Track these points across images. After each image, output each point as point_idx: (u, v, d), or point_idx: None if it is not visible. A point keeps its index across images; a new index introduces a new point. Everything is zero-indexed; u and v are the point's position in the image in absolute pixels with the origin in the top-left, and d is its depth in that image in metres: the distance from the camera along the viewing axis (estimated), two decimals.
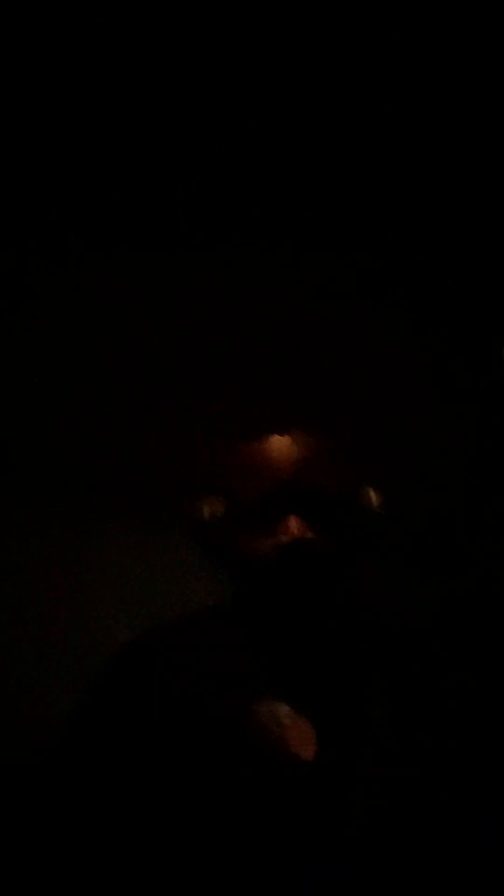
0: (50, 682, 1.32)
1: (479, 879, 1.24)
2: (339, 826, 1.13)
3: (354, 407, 2.34)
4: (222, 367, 2.10)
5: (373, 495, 1.37)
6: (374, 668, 1.24)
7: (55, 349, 2.22)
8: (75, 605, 2.14)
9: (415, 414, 2.35)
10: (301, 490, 1.29)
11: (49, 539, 2.21)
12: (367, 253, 2.14)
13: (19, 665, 1.59)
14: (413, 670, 1.32)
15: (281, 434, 1.30)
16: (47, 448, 2.26)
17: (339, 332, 2.21)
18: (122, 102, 1.89)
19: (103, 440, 2.23)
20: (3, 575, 2.17)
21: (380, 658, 1.25)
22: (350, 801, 1.15)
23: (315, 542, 1.26)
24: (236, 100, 1.89)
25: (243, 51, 1.85)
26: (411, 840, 1.19)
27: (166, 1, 1.79)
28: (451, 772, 1.28)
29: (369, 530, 1.34)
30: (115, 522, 2.26)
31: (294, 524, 1.29)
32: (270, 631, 1.26)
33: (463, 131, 1.93)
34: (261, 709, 1.20)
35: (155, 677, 1.25)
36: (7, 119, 1.91)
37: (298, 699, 1.22)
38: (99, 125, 1.91)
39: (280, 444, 1.30)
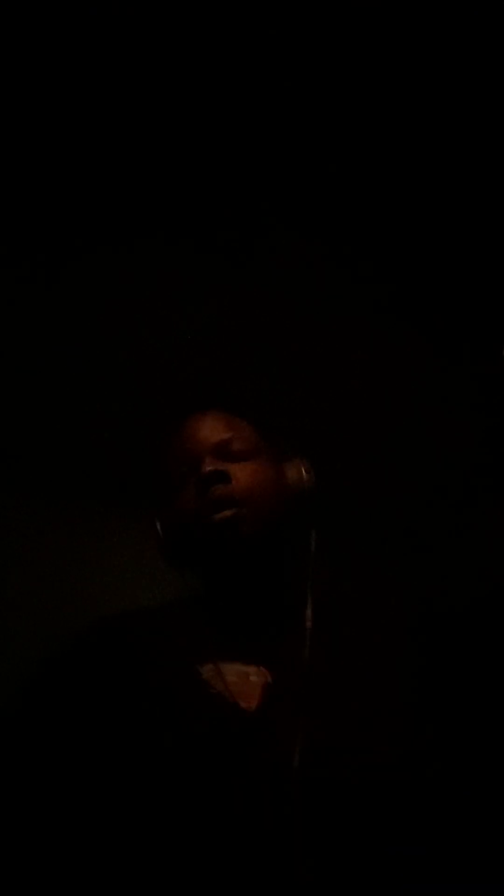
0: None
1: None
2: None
3: (354, 406, 2.35)
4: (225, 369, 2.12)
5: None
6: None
7: (53, 346, 2.23)
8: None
9: (415, 414, 2.36)
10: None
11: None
12: (367, 253, 2.14)
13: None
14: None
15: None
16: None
17: (340, 333, 2.22)
18: (124, 104, 1.89)
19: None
20: None
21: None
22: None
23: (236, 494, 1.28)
24: (238, 105, 1.89)
25: (249, 50, 1.85)
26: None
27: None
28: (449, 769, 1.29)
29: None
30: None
31: (208, 460, 1.31)
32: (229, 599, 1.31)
33: (463, 133, 1.93)
34: (206, 668, 1.24)
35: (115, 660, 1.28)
36: (9, 119, 1.91)
37: (256, 659, 1.26)
38: (100, 128, 1.92)
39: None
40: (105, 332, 2.19)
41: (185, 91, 1.88)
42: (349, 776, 1.16)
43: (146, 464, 1.39)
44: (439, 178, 2.02)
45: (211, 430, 1.34)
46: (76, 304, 2.16)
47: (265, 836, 1.12)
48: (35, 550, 2.28)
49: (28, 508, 2.30)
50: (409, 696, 1.24)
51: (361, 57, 1.83)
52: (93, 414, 2.25)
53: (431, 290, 2.20)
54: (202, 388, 1.43)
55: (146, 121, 1.92)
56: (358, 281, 2.16)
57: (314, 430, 2.20)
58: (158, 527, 1.37)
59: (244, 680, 1.23)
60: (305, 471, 1.36)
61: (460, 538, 2.45)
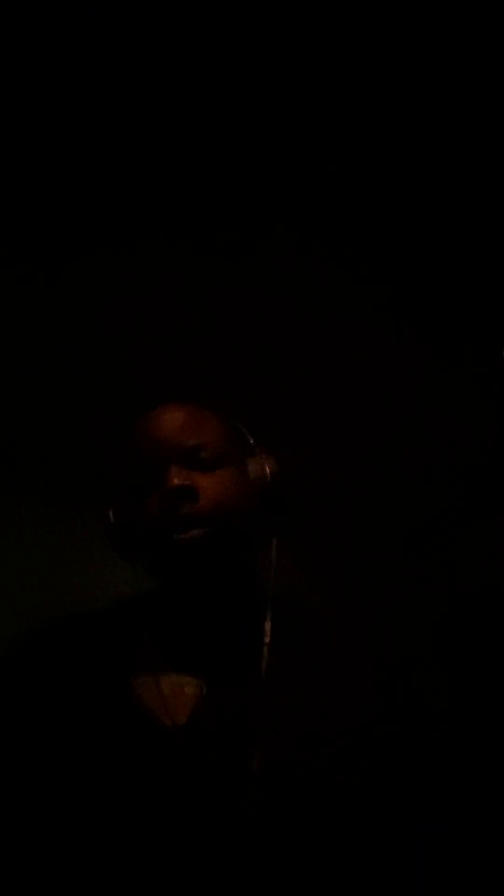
0: None
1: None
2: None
3: (354, 406, 2.35)
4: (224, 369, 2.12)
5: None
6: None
7: (53, 346, 2.23)
8: None
9: (415, 414, 2.36)
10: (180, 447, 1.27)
11: None
12: (367, 253, 2.14)
13: None
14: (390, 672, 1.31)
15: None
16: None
17: (340, 333, 2.22)
18: (124, 104, 1.89)
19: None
20: None
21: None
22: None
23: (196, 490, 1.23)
24: (238, 105, 1.89)
25: (249, 51, 1.85)
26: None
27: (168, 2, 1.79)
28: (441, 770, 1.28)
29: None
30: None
31: (175, 471, 1.25)
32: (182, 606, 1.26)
33: (462, 134, 1.94)
34: (141, 679, 1.20)
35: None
36: (10, 119, 1.91)
37: (202, 669, 1.22)
38: (101, 129, 1.92)
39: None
40: (105, 332, 2.19)
41: (185, 91, 1.88)
42: (301, 795, 1.13)
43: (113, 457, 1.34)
44: (439, 178, 2.02)
45: (178, 432, 1.26)
46: (76, 304, 2.16)
47: (195, 857, 1.10)
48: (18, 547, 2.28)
49: (24, 508, 2.30)
50: (367, 718, 1.21)
51: (361, 57, 1.83)
52: (91, 413, 2.25)
53: (431, 290, 2.20)
54: (201, 388, 1.42)
55: (146, 121, 1.92)
56: (358, 281, 2.16)
57: (313, 430, 2.21)
58: (111, 516, 1.32)
59: (178, 692, 1.20)
60: (269, 467, 1.31)
61: (459, 538, 2.45)
